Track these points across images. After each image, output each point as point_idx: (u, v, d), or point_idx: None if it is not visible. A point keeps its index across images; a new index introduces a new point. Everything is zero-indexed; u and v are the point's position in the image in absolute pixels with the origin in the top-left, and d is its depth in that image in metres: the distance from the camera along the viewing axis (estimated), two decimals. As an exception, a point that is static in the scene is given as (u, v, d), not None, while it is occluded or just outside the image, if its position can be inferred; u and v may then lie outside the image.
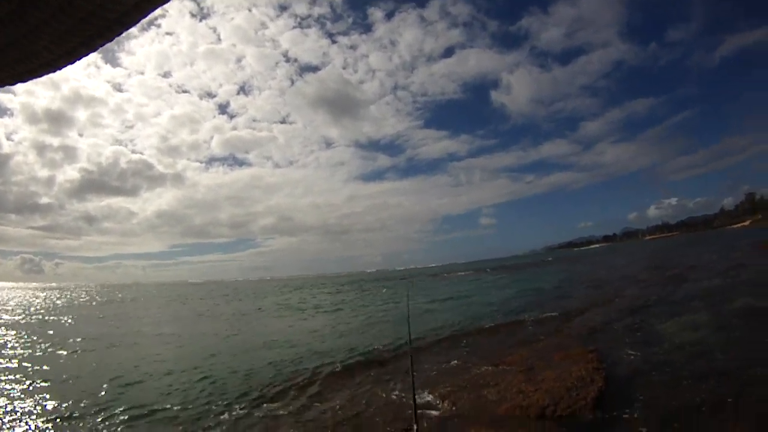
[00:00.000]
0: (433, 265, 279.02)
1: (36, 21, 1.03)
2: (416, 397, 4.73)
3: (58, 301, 62.98)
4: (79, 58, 1.21)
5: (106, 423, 9.29)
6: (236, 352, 16.44)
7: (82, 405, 10.34)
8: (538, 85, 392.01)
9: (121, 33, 1.11)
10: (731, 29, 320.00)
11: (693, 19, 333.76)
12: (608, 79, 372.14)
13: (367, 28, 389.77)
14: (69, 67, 1.26)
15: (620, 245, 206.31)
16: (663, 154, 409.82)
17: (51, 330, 25.12)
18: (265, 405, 10.02)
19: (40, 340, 20.65)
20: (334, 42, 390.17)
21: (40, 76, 1.27)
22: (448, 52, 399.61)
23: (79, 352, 17.85)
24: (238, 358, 15.13)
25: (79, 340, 20.78)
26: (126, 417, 9.57)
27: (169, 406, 10.23)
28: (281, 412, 9.50)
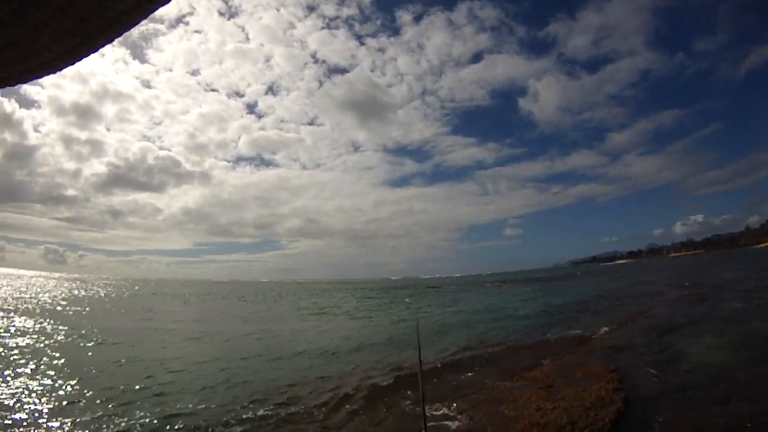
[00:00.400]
0: (458, 274, 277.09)
1: (36, 20, 1.06)
2: (431, 410, 4.79)
3: (84, 292, 63.80)
4: (80, 59, 1.25)
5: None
6: (267, 357, 16.51)
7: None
8: (566, 93, 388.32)
9: (122, 33, 1.14)
10: (757, 41, 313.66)
11: (719, 31, 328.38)
12: (635, 88, 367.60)
13: (395, 30, 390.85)
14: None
15: (645, 262, 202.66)
16: (690, 168, 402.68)
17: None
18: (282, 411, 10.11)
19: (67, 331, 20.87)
20: (362, 44, 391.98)
21: (41, 76, 1.31)
22: (476, 58, 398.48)
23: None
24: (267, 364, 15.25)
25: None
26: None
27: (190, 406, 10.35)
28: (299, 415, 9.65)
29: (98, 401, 10.45)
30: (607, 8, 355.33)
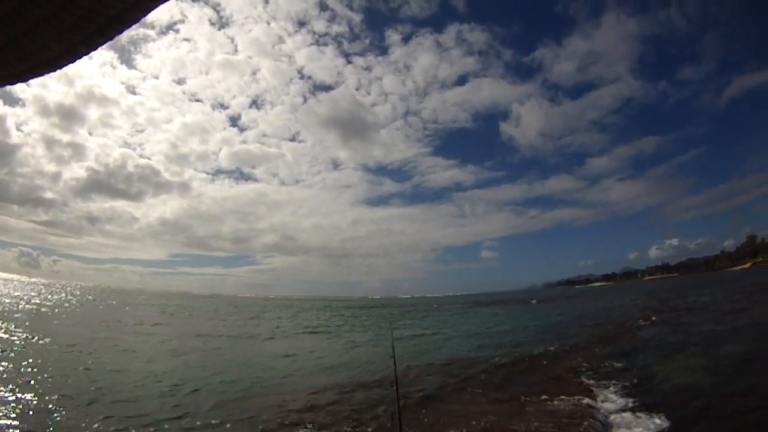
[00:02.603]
0: (433, 295, 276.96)
1: (36, 19, 1.04)
2: None
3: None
4: (80, 57, 1.21)
5: None
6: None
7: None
8: (548, 118, 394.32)
9: (122, 31, 1.11)
10: (739, 70, 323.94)
11: (703, 60, 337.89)
12: (617, 115, 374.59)
13: (383, 50, 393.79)
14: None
15: (620, 285, 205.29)
16: (667, 194, 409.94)
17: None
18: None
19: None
20: (349, 62, 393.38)
21: (41, 74, 1.28)
22: (462, 80, 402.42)
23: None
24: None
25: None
26: None
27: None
28: None
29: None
30: (595, 35, 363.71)
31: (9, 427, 9.21)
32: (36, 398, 11.06)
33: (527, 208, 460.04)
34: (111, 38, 1.13)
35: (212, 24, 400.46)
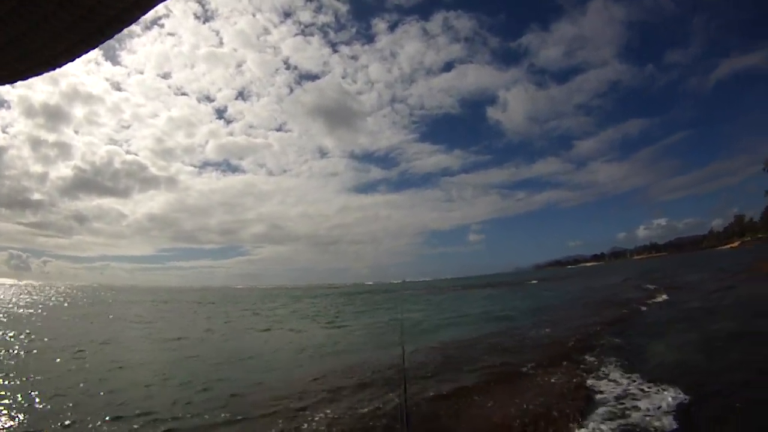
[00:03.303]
0: (422, 279, 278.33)
1: (36, 18, 1.03)
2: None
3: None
4: (79, 56, 1.21)
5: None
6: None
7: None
8: (534, 102, 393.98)
9: (121, 30, 1.11)
10: (726, 53, 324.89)
11: (690, 43, 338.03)
12: (604, 98, 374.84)
13: (369, 38, 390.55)
14: (69, 63, 1.25)
15: (609, 264, 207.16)
16: (655, 175, 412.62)
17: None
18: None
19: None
20: (335, 51, 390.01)
21: (41, 73, 1.27)
22: (448, 67, 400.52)
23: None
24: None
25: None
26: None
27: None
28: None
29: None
30: (582, 20, 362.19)
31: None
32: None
33: (514, 191, 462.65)
34: (110, 37, 1.13)
35: (197, 17, 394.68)
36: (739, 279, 33.60)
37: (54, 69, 1.26)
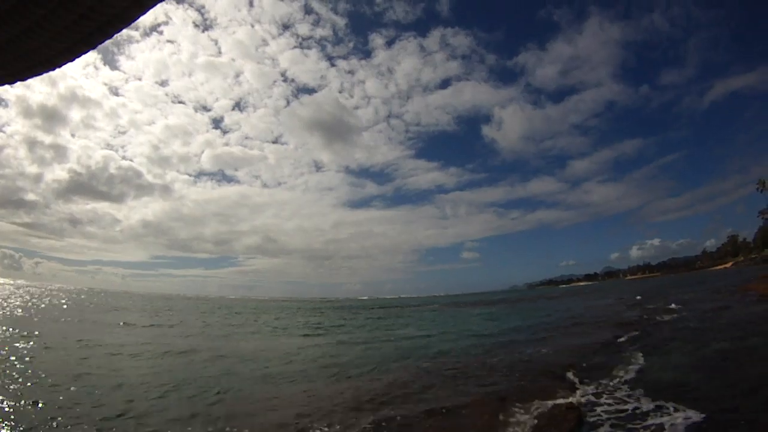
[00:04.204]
0: (415, 295, 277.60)
1: (35, 17, 1.02)
2: None
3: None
4: (79, 56, 1.21)
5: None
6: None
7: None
8: (530, 121, 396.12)
9: (121, 30, 1.11)
10: (721, 74, 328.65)
11: (686, 64, 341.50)
12: (599, 118, 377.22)
13: (366, 53, 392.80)
14: (68, 65, 1.26)
15: (602, 284, 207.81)
16: (649, 195, 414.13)
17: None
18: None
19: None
20: (332, 65, 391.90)
21: (40, 73, 1.28)
22: (445, 84, 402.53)
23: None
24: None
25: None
26: None
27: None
28: None
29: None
30: (578, 40, 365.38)
31: None
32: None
33: (509, 210, 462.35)
34: (111, 37, 1.13)
35: (196, 26, 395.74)
36: (734, 299, 33.62)
37: (54, 69, 1.27)
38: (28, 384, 12.77)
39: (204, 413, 10.77)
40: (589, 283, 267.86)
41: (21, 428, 9.26)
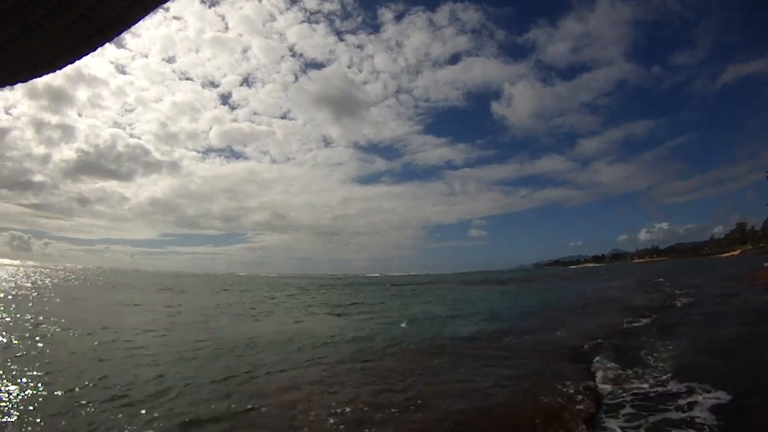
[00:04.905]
0: (424, 273, 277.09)
1: (36, 17, 1.06)
2: None
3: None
4: (80, 57, 1.25)
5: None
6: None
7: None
8: (540, 99, 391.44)
9: (122, 31, 1.15)
10: (734, 58, 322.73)
11: (698, 46, 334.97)
12: (610, 97, 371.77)
13: (375, 28, 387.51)
14: (69, 65, 1.30)
15: (609, 266, 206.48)
16: (658, 177, 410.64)
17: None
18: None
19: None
20: (341, 40, 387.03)
21: (40, 75, 1.32)
22: (454, 59, 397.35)
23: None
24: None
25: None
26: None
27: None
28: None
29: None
30: (589, 18, 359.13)
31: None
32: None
33: (517, 188, 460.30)
34: (111, 39, 1.16)
35: (203, 2, 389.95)
36: (743, 287, 33.78)
37: (54, 71, 1.31)
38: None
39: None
40: (597, 264, 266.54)
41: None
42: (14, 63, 1.23)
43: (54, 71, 1.31)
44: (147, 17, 1.15)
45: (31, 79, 1.33)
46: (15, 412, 8.85)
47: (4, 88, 1.41)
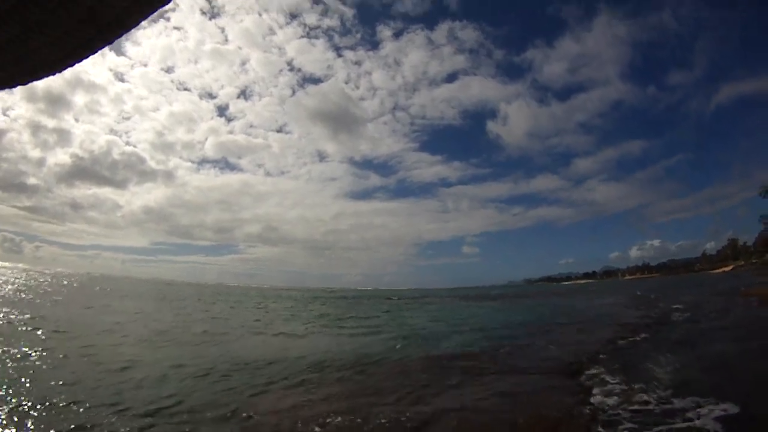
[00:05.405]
0: (415, 287, 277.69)
1: (35, 18, 1.04)
2: None
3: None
4: (79, 60, 1.25)
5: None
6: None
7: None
8: (536, 118, 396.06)
9: (121, 34, 1.14)
10: (729, 76, 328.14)
11: (694, 65, 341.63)
12: (605, 117, 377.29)
13: (374, 45, 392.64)
14: (69, 68, 1.30)
15: (600, 283, 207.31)
16: (651, 196, 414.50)
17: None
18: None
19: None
20: (339, 56, 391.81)
21: (39, 78, 1.31)
22: (451, 77, 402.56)
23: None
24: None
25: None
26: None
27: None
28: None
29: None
30: (586, 38, 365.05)
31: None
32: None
33: (511, 206, 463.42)
34: (110, 41, 1.16)
35: (203, 13, 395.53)
36: (735, 302, 33.96)
37: (53, 74, 1.30)
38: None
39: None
40: (588, 281, 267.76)
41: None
42: (14, 65, 1.20)
43: (53, 74, 1.30)
44: (146, 20, 1.16)
45: (31, 81, 1.33)
46: None
47: (3, 91, 1.41)
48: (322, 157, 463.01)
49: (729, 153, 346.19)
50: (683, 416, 8.62)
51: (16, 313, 25.16)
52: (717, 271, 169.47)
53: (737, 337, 17.35)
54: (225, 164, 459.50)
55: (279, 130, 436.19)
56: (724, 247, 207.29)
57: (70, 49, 1.16)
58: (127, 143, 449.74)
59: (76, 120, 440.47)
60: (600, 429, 8.42)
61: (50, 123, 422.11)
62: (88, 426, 8.75)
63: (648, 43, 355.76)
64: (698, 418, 8.41)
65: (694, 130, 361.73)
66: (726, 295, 40.91)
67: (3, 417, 8.86)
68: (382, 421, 9.09)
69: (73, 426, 8.68)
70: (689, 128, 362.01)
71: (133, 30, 1.15)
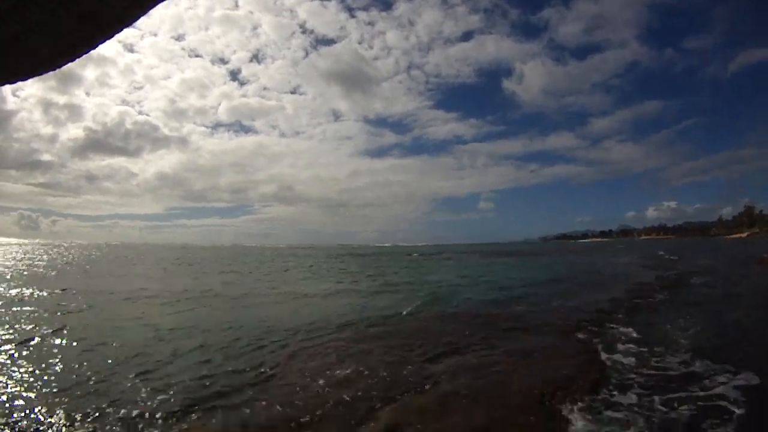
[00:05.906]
0: (431, 243, 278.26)
1: (36, 17, 1.06)
2: None
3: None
4: (80, 55, 1.25)
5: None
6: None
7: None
8: (552, 77, 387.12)
9: (121, 30, 1.15)
10: (747, 44, 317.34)
11: (712, 30, 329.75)
12: (621, 78, 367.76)
13: (387, 5, 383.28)
14: (70, 63, 1.32)
15: (616, 242, 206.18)
16: (668, 158, 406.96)
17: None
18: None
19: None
20: (352, 17, 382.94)
21: (41, 74, 1.32)
22: (466, 37, 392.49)
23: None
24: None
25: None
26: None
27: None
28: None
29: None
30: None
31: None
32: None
33: (527, 162, 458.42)
34: (111, 37, 1.16)
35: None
36: (753, 270, 33.58)
37: (54, 69, 1.31)
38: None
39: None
40: (605, 239, 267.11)
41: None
42: (15, 62, 1.23)
43: (55, 69, 1.32)
44: (145, 15, 1.18)
45: (33, 77, 1.33)
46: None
47: (5, 85, 1.40)
48: (336, 116, 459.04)
49: (745, 118, 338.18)
50: (700, 384, 8.56)
51: (58, 291, 24.86)
52: (732, 236, 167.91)
53: (754, 305, 17.36)
54: (239, 127, 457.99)
55: (293, 92, 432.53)
56: (740, 213, 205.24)
57: (71, 46, 1.19)
58: (140, 112, 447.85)
59: (87, 94, 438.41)
60: (615, 391, 8.32)
61: (61, 99, 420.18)
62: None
63: (666, 6, 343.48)
64: (718, 386, 8.35)
65: (710, 94, 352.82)
66: (742, 262, 40.74)
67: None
68: (410, 379, 9.26)
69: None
70: (706, 92, 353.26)
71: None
